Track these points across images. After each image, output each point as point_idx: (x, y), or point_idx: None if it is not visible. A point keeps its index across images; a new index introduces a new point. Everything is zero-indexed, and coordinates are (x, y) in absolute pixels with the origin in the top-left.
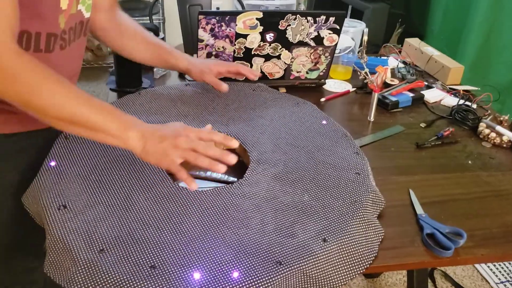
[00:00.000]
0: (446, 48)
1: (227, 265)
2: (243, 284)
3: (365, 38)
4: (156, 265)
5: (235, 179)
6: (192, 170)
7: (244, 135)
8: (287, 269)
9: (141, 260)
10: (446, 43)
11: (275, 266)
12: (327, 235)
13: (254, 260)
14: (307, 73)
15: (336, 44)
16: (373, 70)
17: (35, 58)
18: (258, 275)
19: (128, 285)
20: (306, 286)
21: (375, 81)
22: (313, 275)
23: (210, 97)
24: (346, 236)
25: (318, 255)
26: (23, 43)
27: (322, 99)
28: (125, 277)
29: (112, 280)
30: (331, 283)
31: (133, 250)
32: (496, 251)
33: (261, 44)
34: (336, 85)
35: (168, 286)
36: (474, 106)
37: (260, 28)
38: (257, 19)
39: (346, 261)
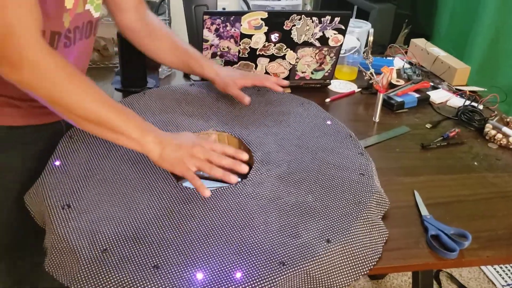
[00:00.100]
0: (453, 50)
1: (230, 265)
2: (246, 284)
3: (371, 38)
4: (159, 265)
5: (239, 179)
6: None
7: (248, 135)
8: (291, 270)
9: (144, 260)
10: (453, 45)
11: (278, 266)
12: (331, 235)
13: (257, 260)
14: (312, 73)
15: (341, 45)
16: (378, 71)
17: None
18: (261, 275)
19: (131, 284)
20: (309, 287)
21: (381, 82)
22: (317, 276)
23: (214, 97)
24: (350, 237)
25: (322, 256)
26: None
27: (327, 100)
28: (128, 277)
29: (115, 279)
30: (335, 284)
31: (137, 250)
32: (501, 253)
33: (266, 45)
34: (341, 85)
35: (171, 286)
36: (481, 107)
37: (265, 28)
38: (262, 19)
39: (349, 262)
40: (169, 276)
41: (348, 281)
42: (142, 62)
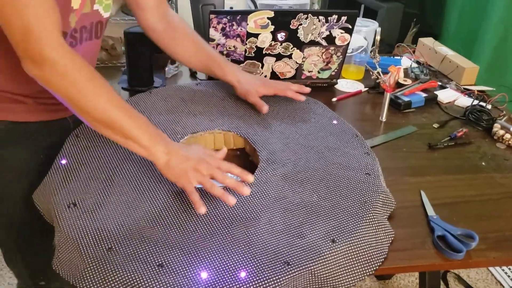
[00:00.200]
0: (462, 49)
1: (235, 264)
2: (250, 284)
3: (378, 37)
4: (164, 263)
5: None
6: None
7: (254, 134)
8: (295, 270)
9: (149, 259)
10: (462, 43)
11: (283, 266)
12: (336, 235)
13: (262, 260)
14: (318, 72)
15: (348, 44)
16: (385, 70)
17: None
18: (265, 275)
19: (136, 283)
20: (314, 287)
21: (388, 81)
22: (322, 276)
23: (220, 96)
24: (355, 237)
25: (327, 256)
26: None
27: (334, 99)
28: (133, 275)
29: (120, 278)
30: (340, 284)
31: (141, 248)
32: (509, 254)
33: (273, 44)
34: (348, 85)
35: (175, 285)
36: (489, 106)
37: (272, 28)
38: (268, 18)
39: (355, 262)
40: (173, 275)
41: (353, 281)
42: (149, 61)
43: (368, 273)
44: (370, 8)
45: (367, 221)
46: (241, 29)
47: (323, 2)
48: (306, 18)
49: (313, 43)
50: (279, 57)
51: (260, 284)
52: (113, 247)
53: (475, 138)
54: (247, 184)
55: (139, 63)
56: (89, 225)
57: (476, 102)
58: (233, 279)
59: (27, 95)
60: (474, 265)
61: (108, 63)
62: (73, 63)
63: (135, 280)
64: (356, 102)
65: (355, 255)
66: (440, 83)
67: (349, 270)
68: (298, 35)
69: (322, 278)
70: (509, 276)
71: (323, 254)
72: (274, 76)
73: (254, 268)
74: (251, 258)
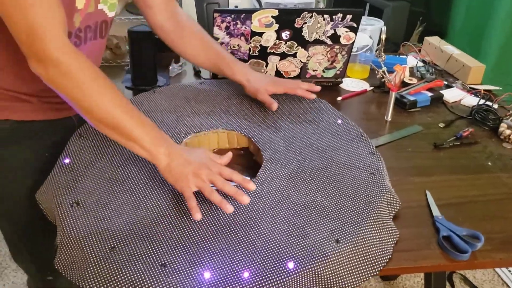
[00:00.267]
0: (468, 48)
1: (238, 264)
2: (254, 284)
3: (383, 36)
4: (167, 263)
5: (248, 178)
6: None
7: (257, 133)
8: (299, 270)
9: (152, 258)
10: (468, 42)
11: (286, 266)
12: (340, 236)
13: (265, 260)
14: (323, 71)
15: (353, 43)
16: (391, 69)
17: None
18: (269, 275)
19: (139, 283)
20: (318, 287)
21: (393, 80)
22: (325, 277)
23: (224, 95)
24: (360, 237)
25: (331, 256)
26: None
27: (339, 98)
28: (136, 275)
29: (123, 277)
30: (344, 285)
31: (144, 248)
32: None
33: (277, 42)
34: (353, 84)
35: (178, 285)
36: (495, 106)
37: (276, 26)
38: (272, 17)
39: (359, 262)
40: (176, 275)
41: (357, 282)
42: (153, 60)
43: (372, 274)
44: (376, 7)
45: (372, 221)
46: (245, 27)
47: (328, 1)
48: (311, 17)
49: (317, 42)
50: (283, 56)
51: (263, 284)
52: (116, 246)
53: (481, 137)
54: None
55: (143, 62)
56: (92, 225)
57: (482, 101)
58: (236, 279)
59: (32, 94)
60: (480, 266)
61: (113, 62)
62: (77, 62)
63: (138, 280)
64: (361, 101)
65: (359, 256)
66: (446, 82)
67: (353, 270)
68: (302, 33)
69: (326, 279)
70: None
71: (327, 254)
72: (278, 75)
73: (257, 268)
74: (254, 258)
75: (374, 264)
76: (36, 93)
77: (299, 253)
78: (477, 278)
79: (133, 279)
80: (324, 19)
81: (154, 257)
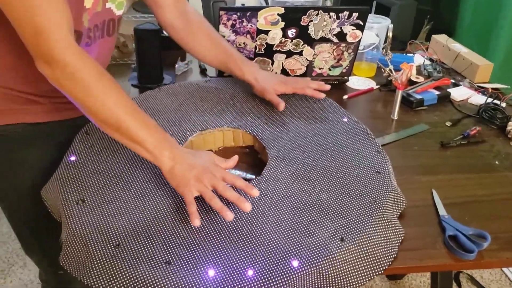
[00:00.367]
0: (476, 46)
1: (242, 262)
2: (258, 282)
3: (390, 34)
4: (171, 261)
5: (253, 176)
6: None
7: (263, 132)
8: (303, 269)
9: (156, 256)
10: (476, 41)
11: (290, 265)
12: (345, 234)
13: (270, 258)
14: (329, 69)
15: (359, 40)
16: (398, 67)
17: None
18: (273, 273)
19: (143, 280)
20: (322, 286)
21: (400, 78)
22: (330, 275)
23: (230, 93)
24: (365, 236)
25: (335, 254)
26: None
27: (345, 97)
28: (140, 272)
29: (127, 274)
30: (348, 284)
31: (149, 245)
32: None
33: (283, 40)
34: (359, 82)
35: (182, 283)
36: (503, 104)
37: (282, 24)
38: (278, 14)
39: (364, 261)
40: (181, 272)
41: (362, 281)
42: (158, 58)
43: (377, 273)
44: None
45: (377, 220)
46: (251, 25)
47: None
48: (317, 15)
49: (324, 39)
50: (289, 54)
51: (268, 282)
52: (121, 243)
53: (489, 136)
54: (248, 199)
55: (149, 60)
56: (97, 222)
57: (490, 100)
58: (241, 277)
59: (43, 95)
60: (487, 266)
61: (120, 61)
62: (82, 63)
63: (142, 277)
64: (368, 99)
65: (364, 254)
66: (453, 81)
67: (358, 269)
68: (308, 31)
69: (330, 277)
70: None
71: (331, 253)
72: (284, 73)
73: (261, 267)
74: (258, 256)
75: (379, 263)
76: (46, 93)
77: (304, 252)
78: (485, 278)
79: (137, 276)
80: (330, 17)
81: (158, 255)
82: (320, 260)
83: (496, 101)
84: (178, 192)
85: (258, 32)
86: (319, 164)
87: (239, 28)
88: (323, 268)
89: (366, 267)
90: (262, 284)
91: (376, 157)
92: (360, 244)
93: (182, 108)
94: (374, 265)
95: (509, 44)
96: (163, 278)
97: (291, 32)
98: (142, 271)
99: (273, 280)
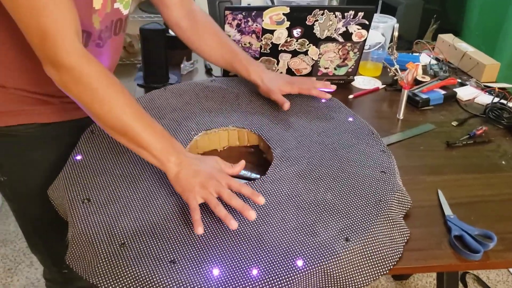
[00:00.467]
0: (483, 46)
1: (247, 262)
2: (262, 281)
3: (396, 33)
4: (176, 260)
5: (258, 176)
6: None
7: (268, 131)
8: (308, 268)
9: (161, 255)
10: (483, 40)
11: (295, 264)
12: (350, 234)
13: (274, 257)
14: (335, 69)
15: (365, 40)
16: (403, 67)
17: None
18: (277, 273)
19: (148, 279)
20: (327, 286)
21: (405, 78)
22: (335, 275)
23: (235, 93)
24: (370, 236)
25: (340, 254)
26: None
27: (350, 96)
28: (145, 271)
29: (132, 273)
30: (353, 284)
31: (154, 244)
32: None
33: (288, 40)
34: (365, 81)
35: (187, 282)
36: (510, 104)
37: (287, 24)
38: (284, 14)
39: (369, 261)
40: (185, 271)
41: (367, 281)
42: (164, 58)
43: (382, 273)
44: (389, 4)
45: (382, 220)
46: (256, 25)
47: None
48: (322, 14)
49: (329, 39)
50: (294, 53)
51: (272, 281)
52: (126, 242)
53: (495, 136)
54: (251, 207)
55: (155, 59)
56: (103, 221)
57: (496, 99)
58: (245, 276)
59: (54, 95)
60: (492, 266)
61: (126, 60)
62: (89, 68)
63: (147, 276)
64: (373, 99)
65: (369, 254)
66: (459, 80)
67: (363, 269)
68: (314, 31)
69: (335, 277)
70: None
71: (336, 252)
72: (289, 73)
73: (266, 266)
74: (263, 256)
75: (384, 263)
76: (57, 93)
77: (309, 251)
78: (491, 278)
79: (142, 275)
80: (335, 17)
81: (163, 254)
82: (325, 260)
83: (502, 101)
84: (183, 198)
85: (264, 32)
86: (324, 164)
87: (245, 27)
88: (328, 268)
89: (371, 267)
90: (266, 284)
91: (381, 157)
92: (365, 244)
93: (187, 107)
94: (379, 265)
95: None
96: (168, 277)
97: (296, 32)
98: (147, 270)
99: (278, 279)
